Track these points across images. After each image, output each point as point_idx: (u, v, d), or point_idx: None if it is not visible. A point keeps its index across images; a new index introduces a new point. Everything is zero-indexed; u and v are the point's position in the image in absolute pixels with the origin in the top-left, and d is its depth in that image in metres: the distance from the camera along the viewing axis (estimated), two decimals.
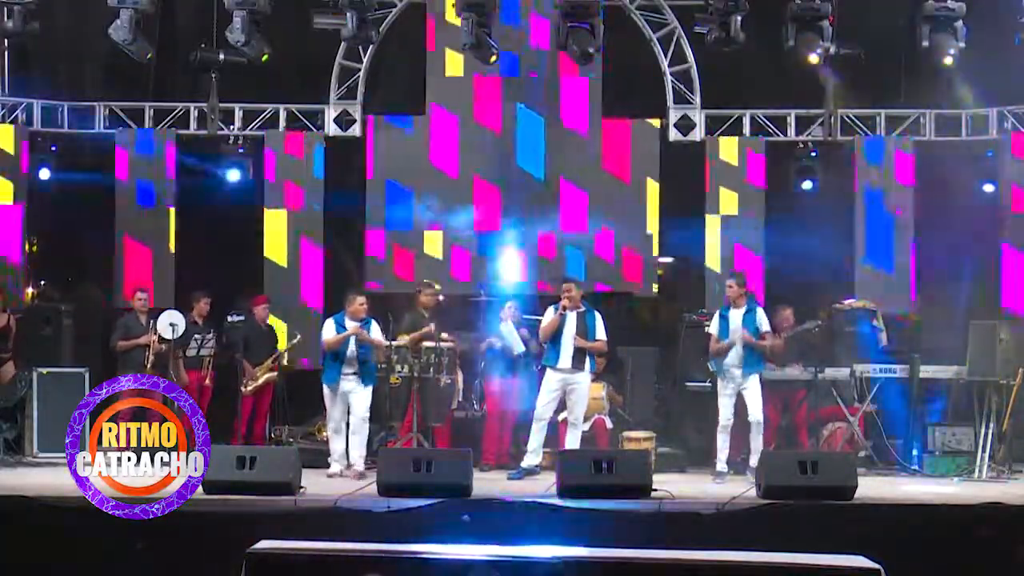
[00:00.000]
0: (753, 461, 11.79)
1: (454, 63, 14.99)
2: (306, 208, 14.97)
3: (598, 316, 12.20)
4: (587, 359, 12.06)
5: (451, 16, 14.49)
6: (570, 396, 12.00)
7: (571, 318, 12.02)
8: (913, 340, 13.52)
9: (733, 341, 12.07)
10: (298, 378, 13.77)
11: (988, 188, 14.73)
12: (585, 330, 12.04)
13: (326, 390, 12.12)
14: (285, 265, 14.88)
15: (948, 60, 12.97)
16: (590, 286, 14.21)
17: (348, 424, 12.08)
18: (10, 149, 14.50)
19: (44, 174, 14.89)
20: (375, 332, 12.18)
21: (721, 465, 12.00)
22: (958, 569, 9.11)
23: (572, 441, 11.93)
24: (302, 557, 7.54)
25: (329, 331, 12.16)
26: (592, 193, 15.04)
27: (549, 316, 12.12)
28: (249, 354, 13.22)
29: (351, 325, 12.05)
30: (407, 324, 13.00)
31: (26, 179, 14.67)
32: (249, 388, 13.07)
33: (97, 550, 9.01)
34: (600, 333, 12.13)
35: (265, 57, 13.53)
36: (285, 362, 13.69)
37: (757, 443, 11.92)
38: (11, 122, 14.74)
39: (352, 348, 12.03)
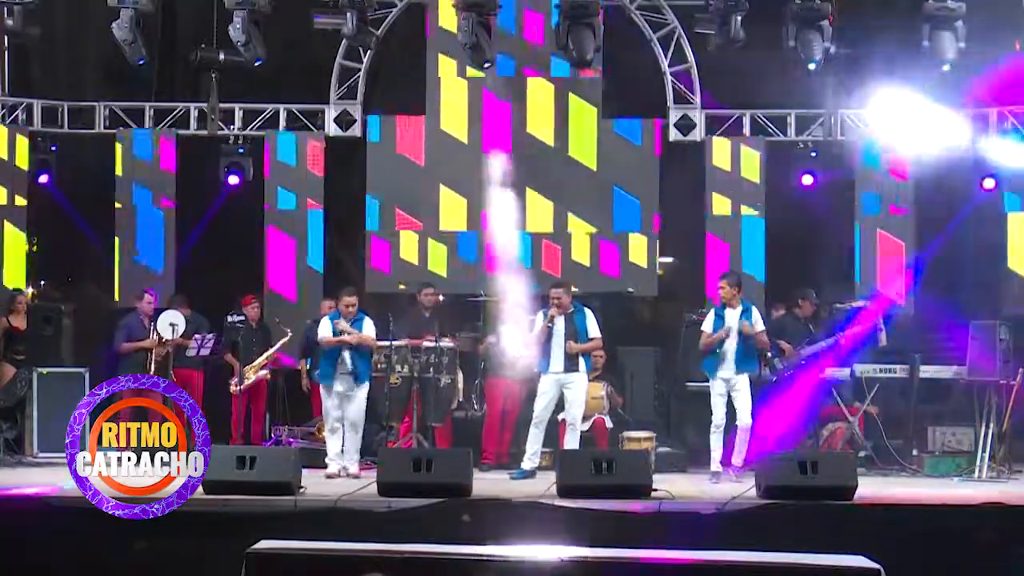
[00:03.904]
0: (737, 461, 11.87)
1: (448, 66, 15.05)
2: (304, 208, 14.98)
3: (588, 313, 12.13)
4: (581, 359, 12.03)
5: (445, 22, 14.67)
6: (567, 397, 11.98)
7: (559, 321, 11.98)
8: (913, 340, 13.52)
9: (725, 333, 12.02)
10: (297, 378, 13.76)
11: (988, 188, 14.71)
12: (575, 332, 11.98)
13: (322, 389, 12.09)
14: (286, 265, 14.93)
15: (948, 60, 12.96)
16: (589, 287, 14.28)
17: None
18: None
19: (44, 174, 14.89)
20: (367, 327, 12.08)
21: (716, 466, 11.97)
22: (958, 569, 9.11)
23: (571, 442, 11.91)
24: (302, 557, 7.55)
25: (324, 330, 12.14)
26: (593, 192, 15.06)
27: (539, 323, 12.07)
28: (239, 354, 13.20)
29: (343, 324, 12.01)
30: (408, 323, 13.02)
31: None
32: (240, 388, 13.02)
33: (97, 550, 9.01)
34: (593, 330, 12.08)
35: (260, 62, 13.49)
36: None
37: (742, 444, 11.91)
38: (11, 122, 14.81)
39: (345, 354, 11.94)
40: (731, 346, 12.04)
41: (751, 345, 12.09)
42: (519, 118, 15.07)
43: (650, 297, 15.27)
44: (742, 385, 12.00)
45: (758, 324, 12.21)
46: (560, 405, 12.07)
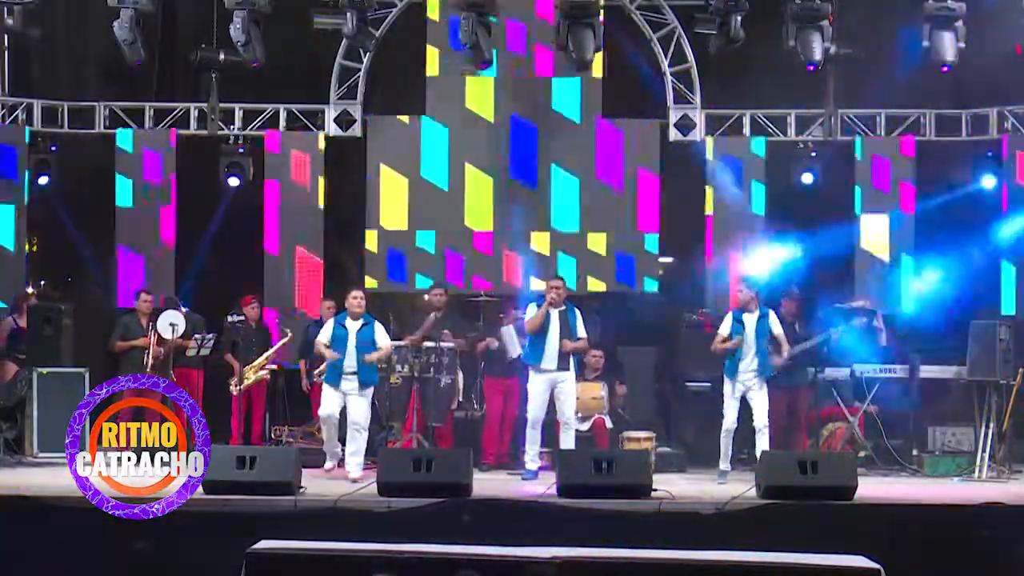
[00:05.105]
0: None
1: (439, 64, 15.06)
2: (306, 208, 14.98)
3: (578, 313, 12.18)
4: (571, 357, 12.06)
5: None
6: (558, 397, 11.99)
7: (554, 316, 12.00)
8: (913, 340, 13.52)
9: (737, 342, 11.98)
10: (297, 378, 13.75)
11: (988, 188, 14.72)
12: (568, 329, 12.02)
13: (325, 387, 12.04)
14: (285, 264, 14.92)
15: (948, 59, 12.95)
16: (586, 286, 14.31)
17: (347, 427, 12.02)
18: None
19: (44, 175, 14.88)
20: (380, 337, 12.01)
21: (725, 465, 11.96)
22: (958, 569, 9.11)
23: (567, 441, 11.91)
24: (302, 557, 7.54)
25: (324, 333, 12.10)
26: (591, 193, 15.06)
27: (532, 311, 12.10)
28: (239, 354, 13.20)
29: (351, 326, 11.98)
30: (412, 326, 13.02)
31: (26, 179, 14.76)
32: (239, 388, 13.02)
33: (97, 550, 9.01)
34: (581, 330, 12.12)
35: (258, 63, 13.47)
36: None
37: (765, 445, 11.87)
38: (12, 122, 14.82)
39: (352, 353, 11.91)
40: (751, 351, 11.99)
41: (768, 348, 12.05)
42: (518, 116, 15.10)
43: (650, 297, 15.26)
44: (761, 388, 11.96)
45: (775, 327, 12.17)
46: (553, 405, 12.07)
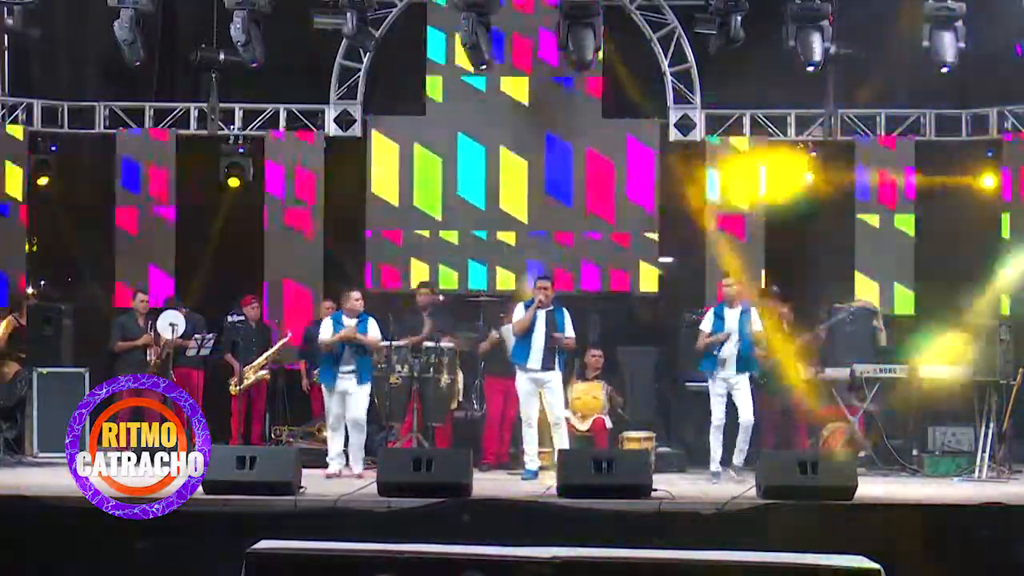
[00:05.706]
0: (738, 460, 11.86)
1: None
2: (306, 208, 14.98)
3: (566, 313, 12.17)
4: (556, 358, 12.05)
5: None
6: (546, 398, 12.00)
7: (541, 317, 12.00)
8: (913, 340, 13.51)
9: (726, 335, 12.01)
10: (297, 378, 13.76)
11: (988, 187, 14.73)
12: (556, 329, 12.01)
13: (324, 390, 12.11)
14: (286, 265, 14.93)
15: (948, 60, 12.96)
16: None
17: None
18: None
19: (44, 175, 14.88)
20: (372, 330, 12.09)
21: (715, 466, 11.99)
22: (958, 569, 9.12)
23: (561, 441, 11.90)
24: (302, 557, 7.56)
25: (326, 331, 12.14)
26: (590, 195, 15.07)
27: (520, 312, 12.11)
28: (239, 354, 13.20)
29: (348, 323, 12.02)
30: (408, 325, 13.03)
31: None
32: (239, 388, 13.04)
33: (97, 550, 9.02)
34: (569, 330, 12.11)
35: (256, 63, 13.46)
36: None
37: (743, 443, 11.91)
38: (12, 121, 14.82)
39: (347, 353, 11.95)
40: (732, 346, 12.03)
41: (751, 345, 12.08)
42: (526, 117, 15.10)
43: (650, 297, 15.26)
44: (743, 384, 12.00)
45: (756, 324, 12.20)
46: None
